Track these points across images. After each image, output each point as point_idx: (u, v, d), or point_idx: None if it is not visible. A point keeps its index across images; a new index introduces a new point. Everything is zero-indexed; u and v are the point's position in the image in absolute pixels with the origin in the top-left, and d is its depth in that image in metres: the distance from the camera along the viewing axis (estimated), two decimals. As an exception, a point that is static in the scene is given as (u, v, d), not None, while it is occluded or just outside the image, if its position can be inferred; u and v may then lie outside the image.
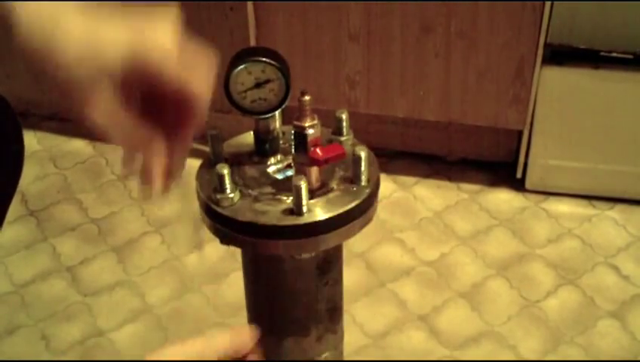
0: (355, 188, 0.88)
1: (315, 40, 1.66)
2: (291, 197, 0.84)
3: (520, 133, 1.72)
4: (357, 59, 1.66)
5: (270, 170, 0.91)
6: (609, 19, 1.49)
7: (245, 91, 0.88)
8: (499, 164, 1.83)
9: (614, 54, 1.55)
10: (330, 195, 0.87)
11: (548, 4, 1.50)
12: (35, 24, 0.56)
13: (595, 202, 1.74)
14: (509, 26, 1.55)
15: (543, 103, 1.63)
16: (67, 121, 2.01)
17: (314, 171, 0.86)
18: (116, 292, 1.56)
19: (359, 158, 0.86)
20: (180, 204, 1.77)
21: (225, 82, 0.87)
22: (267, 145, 0.92)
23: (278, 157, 0.93)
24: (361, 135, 0.96)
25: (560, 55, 1.57)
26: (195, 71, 0.62)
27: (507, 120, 1.67)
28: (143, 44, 0.57)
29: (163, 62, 0.59)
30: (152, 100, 0.62)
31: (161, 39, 0.59)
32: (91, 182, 1.84)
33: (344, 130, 0.94)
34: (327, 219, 0.85)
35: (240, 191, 0.87)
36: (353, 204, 0.86)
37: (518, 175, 1.76)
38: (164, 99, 0.62)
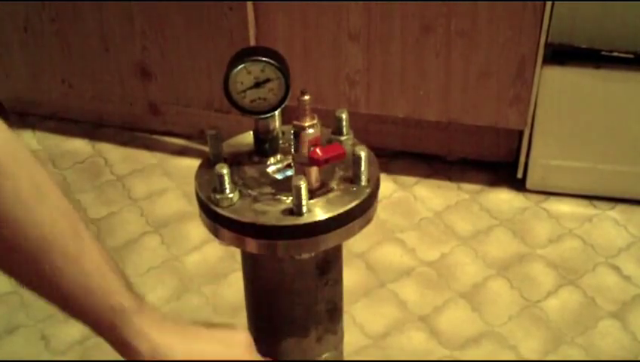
0: (355, 188, 0.87)
1: (315, 40, 1.66)
2: (291, 197, 0.84)
3: (520, 133, 1.72)
4: (357, 59, 1.66)
5: (270, 170, 0.91)
6: (610, 18, 1.49)
7: (245, 91, 0.87)
8: (499, 164, 1.83)
9: (615, 54, 1.54)
10: (330, 195, 0.86)
11: (549, 3, 1.50)
12: (150, 353, 0.73)
13: (595, 202, 1.73)
14: (510, 25, 1.54)
15: (543, 103, 1.62)
16: (66, 120, 2.01)
17: (314, 171, 0.86)
18: (116, 293, 1.56)
19: (359, 158, 0.86)
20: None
21: (224, 82, 0.86)
22: (267, 145, 0.92)
23: (278, 157, 0.92)
24: (361, 135, 0.95)
25: (561, 54, 1.57)
26: None
27: (508, 120, 1.67)
28: (228, 357, 0.77)
29: None
30: None
31: (241, 354, 0.78)
32: (90, 182, 1.84)
33: (344, 129, 0.94)
34: (327, 219, 0.84)
35: (239, 191, 0.87)
36: (353, 204, 0.86)
37: (519, 175, 1.75)
38: None
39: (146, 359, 0.73)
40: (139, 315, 0.74)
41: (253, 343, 0.80)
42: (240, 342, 0.79)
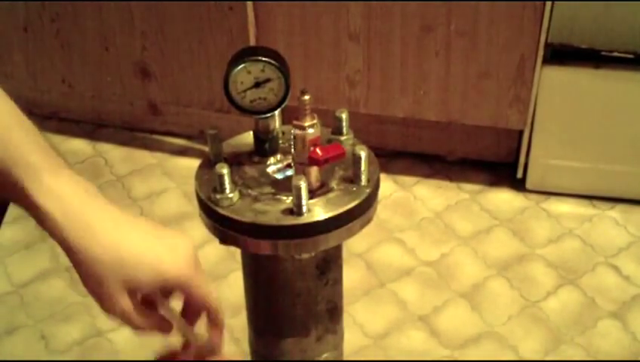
0: (355, 188, 0.87)
1: (315, 40, 1.66)
2: (291, 197, 0.84)
3: (520, 133, 1.72)
4: (357, 59, 1.66)
5: (270, 169, 0.91)
6: (610, 18, 1.49)
7: (245, 91, 0.87)
8: (499, 164, 1.83)
9: (615, 54, 1.54)
10: (330, 195, 0.87)
11: (548, 3, 1.50)
12: (74, 236, 0.65)
13: (595, 202, 1.73)
14: (510, 25, 1.54)
15: (543, 103, 1.62)
16: (67, 120, 2.01)
17: (314, 171, 0.86)
18: (116, 293, 1.56)
19: (359, 158, 0.86)
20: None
21: (224, 81, 0.87)
22: (267, 145, 0.92)
23: (278, 157, 0.93)
24: (361, 135, 0.95)
25: (561, 54, 1.57)
26: (208, 286, 0.72)
27: (507, 120, 1.67)
28: (171, 270, 0.68)
29: (183, 279, 0.69)
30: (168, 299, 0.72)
31: (184, 260, 0.69)
32: (90, 182, 1.83)
33: (344, 129, 0.94)
34: (327, 219, 0.84)
35: (240, 191, 0.87)
36: (353, 204, 0.86)
37: (519, 175, 1.75)
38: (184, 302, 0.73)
39: (58, 221, 0.64)
40: (51, 174, 0.65)
41: (197, 258, 0.70)
42: (185, 247, 0.69)
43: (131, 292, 0.67)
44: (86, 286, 0.68)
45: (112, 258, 0.65)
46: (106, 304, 0.68)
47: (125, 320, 0.69)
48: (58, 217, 0.64)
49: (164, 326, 0.73)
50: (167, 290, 0.71)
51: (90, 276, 0.67)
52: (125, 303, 0.67)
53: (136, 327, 0.70)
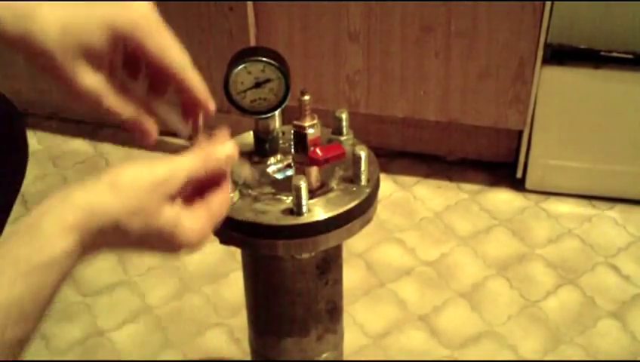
0: (355, 188, 0.88)
1: (315, 40, 1.66)
2: (291, 197, 0.84)
3: (520, 133, 1.72)
4: (357, 59, 1.66)
5: (270, 170, 0.91)
6: (609, 19, 1.49)
7: (245, 91, 0.88)
8: (499, 164, 1.83)
9: (615, 54, 1.54)
10: (330, 195, 0.87)
11: (548, 3, 1.50)
12: (9, 18, 0.60)
13: (595, 202, 1.74)
14: (509, 25, 1.55)
15: (543, 103, 1.63)
16: (67, 120, 2.01)
17: (314, 171, 0.87)
18: (116, 293, 1.56)
19: (359, 158, 0.86)
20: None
21: (225, 82, 0.87)
22: (267, 145, 0.92)
23: (278, 157, 0.93)
24: (361, 135, 0.96)
25: (560, 55, 1.57)
26: (170, 41, 0.66)
27: (507, 120, 1.67)
28: (122, 17, 0.62)
29: (142, 33, 0.64)
30: (133, 66, 0.67)
31: (138, 13, 0.63)
32: None
33: (344, 129, 0.94)
34: (327, 219, 0.85)
35: (240, 191, 0.87)
36: (353, 204, 0.86)
37: (518, 175, 1.76)
38: (145, 65, 0.67)
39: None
40: None
41: (158, 16, 0.65)
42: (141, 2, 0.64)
43: (90, 59, 0.63)
44: (50, 74, 0.64)
45: (56, 27, 0.61)
46: (73, 85, 0.64)
47: (97, 98, 0.65)
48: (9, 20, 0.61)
49: (142, 110, 0.69)
50: (118, 43, 0.65)
51: (40, 57, 0.63)
52: (87, 76, 0.63)
53: (112, 110, 0.67)
